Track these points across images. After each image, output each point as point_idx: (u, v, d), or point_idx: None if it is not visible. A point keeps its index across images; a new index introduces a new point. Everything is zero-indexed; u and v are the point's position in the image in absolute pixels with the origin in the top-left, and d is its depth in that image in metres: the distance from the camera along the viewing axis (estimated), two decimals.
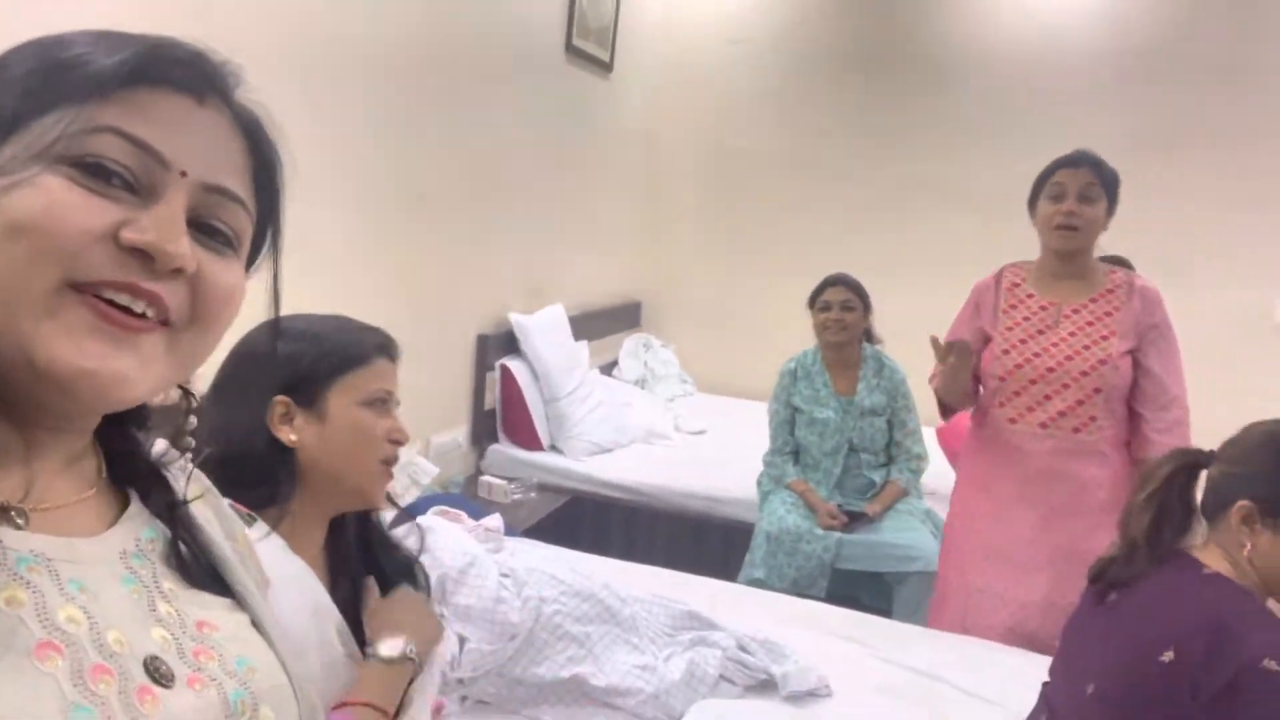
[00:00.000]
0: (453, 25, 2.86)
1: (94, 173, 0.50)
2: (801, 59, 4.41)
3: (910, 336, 3.00)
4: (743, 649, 1.82)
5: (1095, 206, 2.10)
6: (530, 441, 3.33)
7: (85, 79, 0.51)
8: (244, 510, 1.02)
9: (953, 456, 3.15)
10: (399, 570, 1.20)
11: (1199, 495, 1.36)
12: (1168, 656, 1.20)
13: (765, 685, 1.79)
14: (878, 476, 2.82)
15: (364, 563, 1.17)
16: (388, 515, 1.24)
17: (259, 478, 1.04)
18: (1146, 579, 1.31)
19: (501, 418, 3.36)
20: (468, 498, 2.97)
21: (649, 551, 3.16)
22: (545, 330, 3.42)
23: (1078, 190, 2.09)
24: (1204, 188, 3.83)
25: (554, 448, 3.38)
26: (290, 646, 0.64)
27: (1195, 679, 1.16)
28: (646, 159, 4.61)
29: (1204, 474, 1.35)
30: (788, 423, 2.88)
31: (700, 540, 3.20)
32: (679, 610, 1.90)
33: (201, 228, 0.55)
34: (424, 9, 2.69)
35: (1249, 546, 1.25)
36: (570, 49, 3.62)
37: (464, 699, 1.66)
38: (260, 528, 0.93)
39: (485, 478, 3.10)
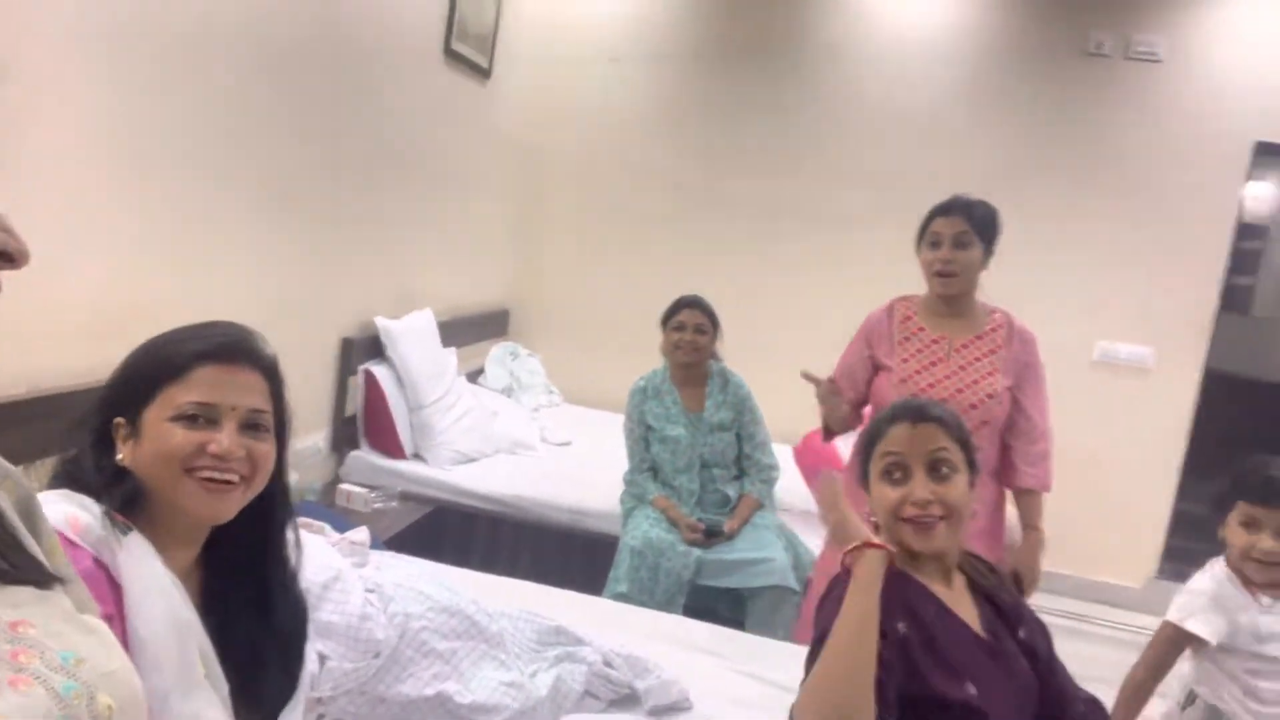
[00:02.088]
0: (328, 23, 2.77)
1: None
2: (678, 78, 4.51)
3: (769, 350, 3.15)
4: (607, 664, 1.85)
5: (970, 251, 2.22)
6: (393, 449, 3.25)
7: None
8: (120, 520, 0.97)
9: (809, 476, 3.29)
10: (277, 605, 1.15)
11: None
12: None
13: (628, 700, 1.82)
14: (732, 490, 2.91)
15: (244, 590, 1.11)
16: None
17: (102, 494, 1.00)
18: None
19: (364, 424, 3.26)
20: (325, 505, 2.87)
21: (513, 563, 3.14)
22: (413, 336, 3.36)
23: (952, 238, 2.21)
24: (1041, 227, 4.16)
25: (417, 456, 3.31)
26: (146, 656, 0.63)
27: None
28: (521, 168, 4.59)
29: None
30: (643, 440, 2.93)
31: (565, 553, 3.21)
32: (546, 626, 1.90)
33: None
34: (298, 4, 2.60)
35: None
36: (449, 52, 3.57)
37: (321, 718, 1.60)
38: (134, 537, 0.90)
39: (344, 485, 3.00)
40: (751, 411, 2.94)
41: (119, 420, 1.06)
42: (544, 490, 3.21)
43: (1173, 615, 1.67)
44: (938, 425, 1.42)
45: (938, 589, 1.41)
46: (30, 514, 0.67)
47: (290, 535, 1.17)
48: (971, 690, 1.31)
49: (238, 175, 2.49)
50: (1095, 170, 4.14)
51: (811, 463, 3.30)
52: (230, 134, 2.43)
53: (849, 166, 4.36)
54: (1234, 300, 5.03)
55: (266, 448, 1.08)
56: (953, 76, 4.24)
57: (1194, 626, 1.62)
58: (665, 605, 2.63)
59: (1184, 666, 1.73)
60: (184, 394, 1.05)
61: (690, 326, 2.86)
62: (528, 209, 4.67)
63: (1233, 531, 1.65)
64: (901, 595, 1.35)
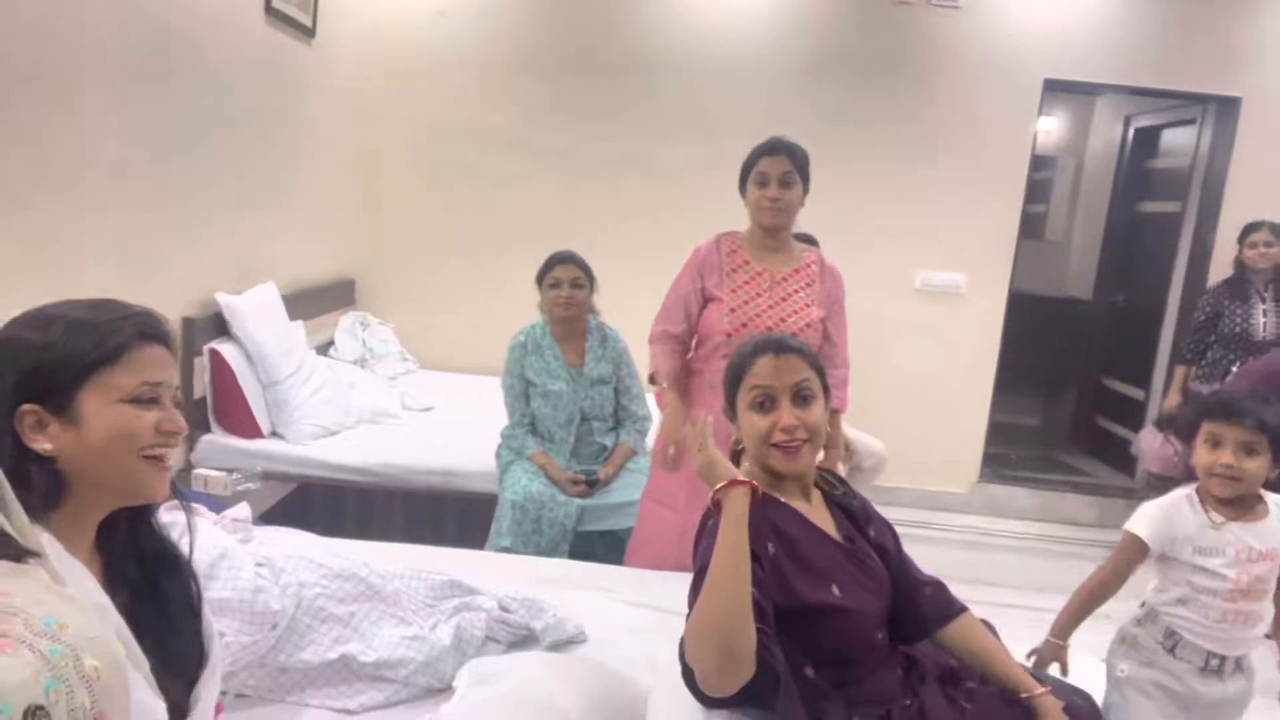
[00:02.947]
0: None
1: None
2: (509, 33, 4.47)
3: (620, 303, 3.25)
4: (504, 609, 1.91)
5: (793, 190, 2.41)
6: (248, 429, 3.15)
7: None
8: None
9: None
10: (169, 573, 1.15)
11: None
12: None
13: (528, 639, 1.90)
14: (608, 441, 3.00)
15: (137, 565, 1.11)
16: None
17: (18, 488, 0.96)
18: None
19: (213, 406, 3.13)
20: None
21: (386, 531, 3.14)
22: (258, 311, 3.23)
23: (778, 176, 2.38)
24: (862, 167, 4.44)
25: (275, 434, 3.22)
26: None
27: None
28: (357, 132, 4.45)
29: None
30: (523, 395, 2.95)
31: (438, 516, 3.23)
32: (439, 580, 1.95)
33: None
34: None
35: None
36: (270, 10, 3.41)
37: (223, 693, 1.59)
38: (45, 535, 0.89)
39: (199, 470, 2.89)
40: (629, 365, 3.02)
41: (29, 408, 1.01)
42: (412, 456, 3.20)
43: (1128, 523, 1.77)
44: (798, 356, 1.56)
45: (799, 506, 1.56)
46: (1, 496, 0.67)
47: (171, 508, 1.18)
48: (836, 592, 1.47)
49: (55, 152, 2.32)
50: (908, 112, 4.45)
51: None
52: (44, 107, 2.26)
53: (678, 120, 4.48)
54: (1030, 228, 5.56)
55: (183, 422, 1.10)
56: (769, 29, 4.42)
57: (1137, 529, 1.72)
58: (549, 554, 2.71)
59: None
60: (132, 375, 1.04)
61: (566, 282, 2.89)
62: (367, 173, 4.54)
63: (1199, 451, 1.74)
64: (769, 518, 1.48)
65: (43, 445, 1.00)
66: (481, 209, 4.59)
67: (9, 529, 0.64)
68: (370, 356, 4.19)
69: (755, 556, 1.38)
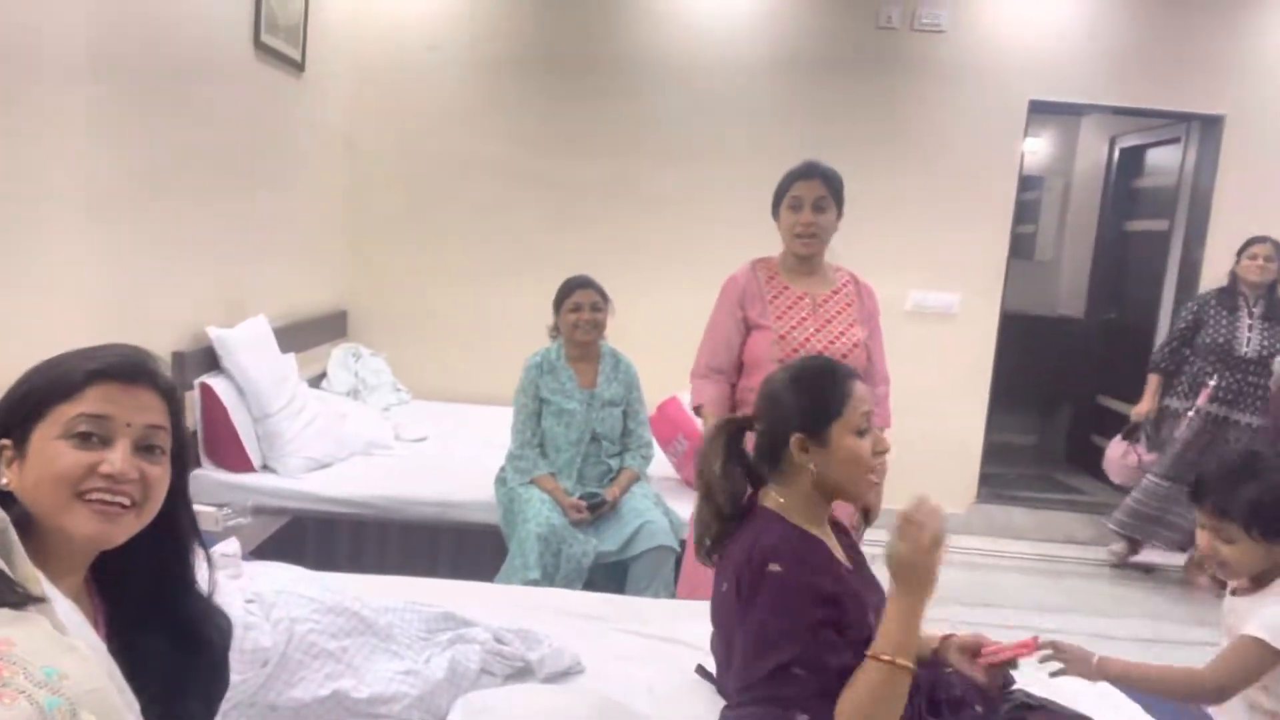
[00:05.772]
0: (134, 23, 2.62)
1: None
2: (497, 66, 4.50)
3: (615, 330, 3.25)
4: (499, 640, 1.88)
5: (828, 214, 2.40)
6: (239, 463, 3.12)
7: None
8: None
9: (665, 443, 3.43)
10: (193, 616, 1.13)
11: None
12: (724, 586, 1.49)
13: (523, 671, 1.87)
14: (614, 463, 3.03)
15: (156, 608, 1.08)
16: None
17: None
18: (733, 535, 1.55)
19: (204, 440, 3.11)
20: None
21: (380, 564, 3.10)
22: (249, 344, 3.22)
23: (812, 201, 2.38)
24: (852, 189, 4.45)
25: (267, 467, 3.19)
26: None
27: (739, 588, 1.44)
28: (346, 164, 4.46)
29: (749, 435, 1.60)
30: (535, 415, 2.98)
31: (432, 547, 3.19)
32: (432, 613, 1.92)
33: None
34: (101, 4, 2.44)
35: (813, 469, 1.50)
36: (259, 45, 3.43)
37: None
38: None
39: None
40: (638, 390, 3.08)
41: (3, 443, 1.01)
42: (407, 487, 3.17)
43: (1258, 630, 1.54)
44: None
45: (819, 534, 1.53)
46: (5, 543, 0.67)
47: (201, 561, 1.15)
48: (872, 620, 1.44)
49: (44, 185, 2.32)
50: (896, 135, 4.48)
51: (666, 430, 3.43)
52: (34, 140, 2.26)
53: (667, 146, 4.51)
54: (1020, 248, 5.59)
55: (160, 471, 1.05)
56: (757, 56, 4.45)
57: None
58: (565, 588, 2.70)
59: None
60: (75, 409, 1.00)
61: (587, 305, 2.95)
62: (356, 206, 4.55)
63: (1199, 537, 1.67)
64: (827, 564, 1.47)
65: (2, 480, 1.00)
66: (472, 238, 4.60)
67: (11, 575, 0.63)
68: (363, 388, 4.17)
69: (843, 609, 1.39)
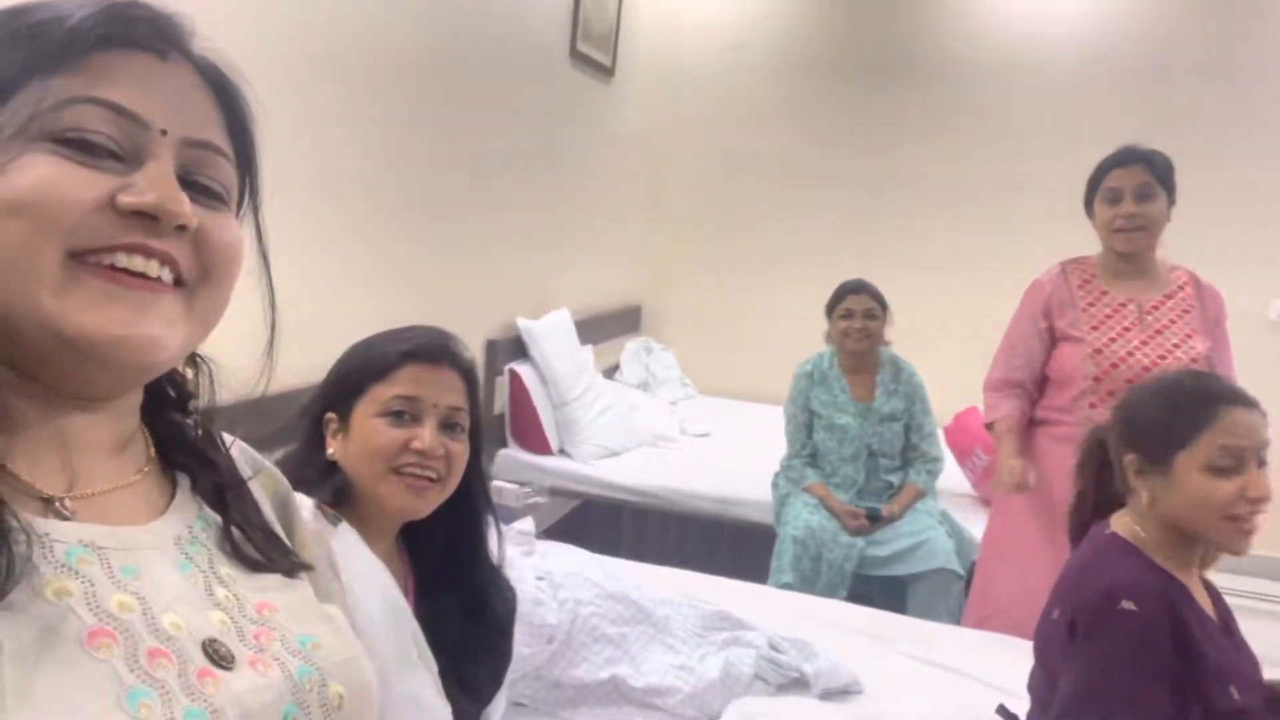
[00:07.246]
0: (458, 28, 2.87)
1: (79, 147, 0.49)
2: (801, 64, 4.44)
3: (912, 335, 3.06)
4: (774, 648, 1.84)
5: (1155, 203, 2.06)
6: (539, 446, 3.34)
7: (52, 48, 0.49)
8: (330, 511, 1.04)
9: (962, 456, 3.18)
10: (481, 584, 1.20)
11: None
12: (1055, 614, 1.30)
13: (798, 684, 1.81)
14: (895, 479, 2.81)
15: (455, 598, 1.17)
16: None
17: (313, 487, 1.06)
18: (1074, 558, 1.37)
19: (510, 422, 3.36)
20: None
21: (660, 553, 3.17)
22: (552, 335, 3.43)
23: (1134, 190, 2.06)
24: (1202, 188, 3.88)
25: (563, 451, 3.39)
26: (364, 640, 0.64)
27: (1074, 624, 1.23)
28: (647, 163, 4.63)
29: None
30: (805, 426, 2.84)
31: (711, 542, 3.22)
32: (709, 611, 1.91)
33: (192, 185, 0.54)
34: (429, 11, 2.69)
35: (1146, 496, 1.27)
36: (574, 53, 3.64)
37: None
38: (344, 527, 0.96)
39: (496, 482, 3.09)
40: (923, 401, 2.82)
41: (330, 416, 1.13)
42: (689, 480, 3.22)
43: None
44: (1259, 411, 1.28)
45: (1182, 578, 1.29)
46: (286, 506, 0.69)
47: (492, 533, 1.22)
48: (1235, 695, 1.20)
49: (382, 186, 2.61)
50: (1252, 114, 3.82)
51: (963, 443, 3.19)
52: (375, 146, 2.55)
53: (977, 136, 4.18)
54: None
55: (461, 448, 1.14)
56: (1087, 35, 4.01)
57: None
58: (825, 596, 2.59)
59: None
60: (389, 390, 1.10)
61: (860, 313, 2.75)
62: (654, 204, 4.71)
63: None
64: (1194, 615, 1.24)
65: (329, 450, 1.12)
66: (764, 236, 4.58)
67: (289, 543, 0.65)
68: (653, 381, 4.31)
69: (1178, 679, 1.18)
